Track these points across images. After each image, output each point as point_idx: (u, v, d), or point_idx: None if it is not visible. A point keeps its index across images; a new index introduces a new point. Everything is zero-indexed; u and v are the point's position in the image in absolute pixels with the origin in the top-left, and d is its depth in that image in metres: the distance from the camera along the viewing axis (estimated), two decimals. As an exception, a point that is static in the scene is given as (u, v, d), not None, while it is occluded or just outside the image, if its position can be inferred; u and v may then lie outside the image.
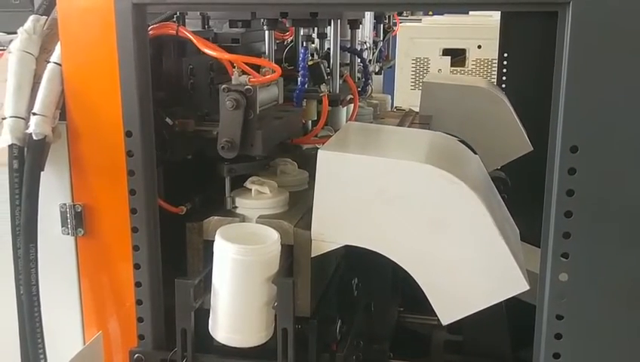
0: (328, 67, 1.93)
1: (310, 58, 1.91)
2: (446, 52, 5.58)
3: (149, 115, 1.42)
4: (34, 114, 1.39)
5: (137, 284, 1.47)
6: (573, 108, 1.24)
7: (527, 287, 1.38)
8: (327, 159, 1.44)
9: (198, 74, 1.55)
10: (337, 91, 1.93)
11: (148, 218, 1.45)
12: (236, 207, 1.54)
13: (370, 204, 1.42)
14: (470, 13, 6.70)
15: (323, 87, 1.87)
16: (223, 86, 1.45)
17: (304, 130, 1.99)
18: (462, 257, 1.39)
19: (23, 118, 1.41)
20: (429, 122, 2.33)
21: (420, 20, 6.11)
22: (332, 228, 1.45)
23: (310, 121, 2.00)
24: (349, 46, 2.15)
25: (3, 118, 1.42)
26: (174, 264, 1.53)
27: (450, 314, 1.43)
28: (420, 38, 5.60)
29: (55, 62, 1.42)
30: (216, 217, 1.51)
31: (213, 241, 1.43)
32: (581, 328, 1.31)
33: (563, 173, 1.26)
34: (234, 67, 1.47)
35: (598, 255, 1.27)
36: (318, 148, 1.96)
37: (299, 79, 1.88)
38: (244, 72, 1.49)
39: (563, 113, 1.25)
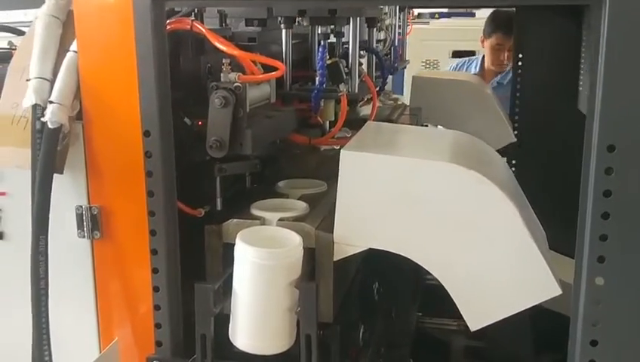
0: (346, 66, 1.88)
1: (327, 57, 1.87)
2: (455, 54, 5.55)
3: (167, 115, 1.38)
4: (51, 102, 1.36)
5: (155, 289, 1.42)
6: (610, 106, 1.19)
7: (559, 292, 1.34)
8: (350, 159, 1.39)
9: (216, 73, 1.51)
10: (356, 91, 1.88)
11: (166, 220, 1.40)
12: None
13: (395, 205, 1.37)
14: (477, 15, 6.69)
15: (342, 87, 1.82)
16: (212, 83, 1.41)
17: (322, 130, 1.95)
18: (491, 260, 1.35)
19: (47, 80, 1.39)
20: (419, 114, 2.48)
21: (427, 23, 6.09)
22: (355, 231, 1.41)
23: (328, 122, 1.96)
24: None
25: (27, 80, 1.39)
26: (193, 268, 1.48)
27: (478, 319, 1.38)
28: (429, 40, 5.58)
29: (75, 51, 1.38)
30: (235, 220, 1.47)
31: (232, 244, 1.39)
32: (617, 334, 1.26)
33: (600, 173, 1.21)
34: (255, 64, 1.42)
35: (636, 258, 1.22)
36: (336, 149, 1.94)
37: (317, 78, 1.84)
38: (233, 70, 1.46)
39: (599, 111, 1.20)
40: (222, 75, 1.44)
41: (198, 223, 1.49)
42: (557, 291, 1.33)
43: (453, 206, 1.34)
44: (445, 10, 6.53)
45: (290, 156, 1.86)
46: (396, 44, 2.68)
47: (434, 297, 1.65)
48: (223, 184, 1.54)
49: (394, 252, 1.40)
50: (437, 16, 6.46)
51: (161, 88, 1.36)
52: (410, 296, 2.00)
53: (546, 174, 2.81)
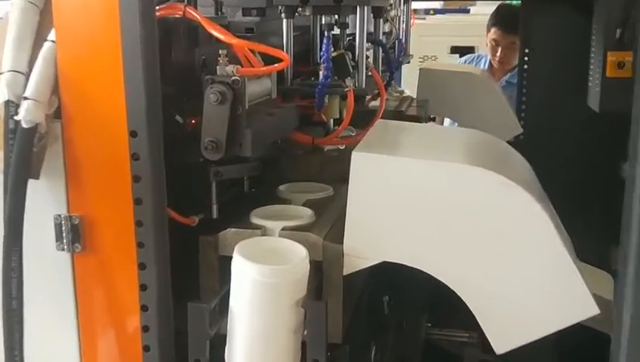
0: (352, 59, 1.73)
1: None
2: (454, 50, 5.44)
3: (157, 113, 1.23)
4: (25, 98, 1.19)
5: (143, 308, 1.27)
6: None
7: (597, 311, 1.19)
8: (362, 162, 1.25)
9: (211, 65, 1.35)
10: (364, 85, 1.73)
11: (156, 231, 1.25)
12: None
13: (412, 213, 1.23)
14: (472, 12, 6.59)
15: (348, 82, 1.67)
16: (207, 77, 1.27)
17: (325, 129, 1.80)
18: (521, 275, 1.20)
19: (22, 73, 1.22)
20: (426, 105, 2.45)
21: (423, 19, 5.97)
22: (368, 242, 1.26)
23: (332, 120, 1.81)
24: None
25: (0, 73, 1.23)
26: (186, 284, 1.33)
27: (506, 342, 1.23)
28: (427, 36, 5.44)
29: (53, 41, 1.23)
30: (233, 229, 1.32)
31: (229, 257, 1.24)
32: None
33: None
34: (255, 55, 1.27)
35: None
36: (341, 149, 1.79)
37: (321, 72, 1.68)
38: (230, 62, 1.31)
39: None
40: (218, 67, 1.30)
41: (192, 233, 1.34)
42: (594, 310, 1.19)
43: (477, 214, 1.20)
44: (439, 6, 6.46)
45: (291, 157, 1.71)
46: (400, 36, 2.53)
47: (442, 304, 1.52)
48: (219, 189, 1.39)
49: (411, 266, 1.25)
50: (432, 12, 6.36)
51: (149, 83, 1.20)
52: (422, 307, 1.85)
53: (553, 172, 2.70)
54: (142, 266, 1.25)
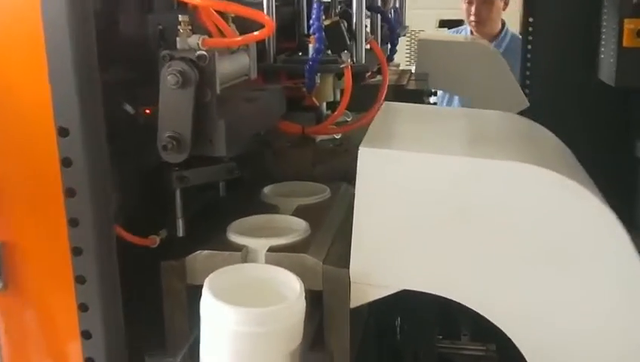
0: (348, 29, 1.41)
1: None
2: (443, 23, 5.16)
3: (95, 103, 0.91)
4: None
5: (88, 361, 0.95)
6: None
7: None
8: (372, 160, 0.94)
9: (170, 37, 1.03)
10: (363, 60, 1.42)
11: (100, 260, 0.93)
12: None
13: (443, 227, 0.93)
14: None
15: (344, 56, 1.36)
16: (163, 52, 0.96)
17: (317, 115, 1.49)
18: (589, 306, 0.90)
19: None
20: (426, 79, 2.30)
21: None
22: (382, 265, 0.96)
23: (325, 104, 1.49)
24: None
25: None
26: (145, 325, 1.03)
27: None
28: (414, 9, 5.13)
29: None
30: (205, 252, 1.01)
31: (200, 287, 0.93)
32: None
33: None
34: (227, 20, 0.96)
35: None
36: (337, 139, 1.48)
37: (311, 46, 1.37)
38: (195, 32, 0.99)
39: None
40: (178, 39, 0.98)
41: (152, 258, 1.03)
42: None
43: (531, 227, 0.90)
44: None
45: (277, 151, 1.40)
46: (397, 5, 2.22)
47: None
48: (185, 199, 1.07)
49: (440, 295, 0.95)
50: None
51: (82, 62, 0.88)
52: (434, 324, 1.55)
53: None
54: (83, 308, 0.94)
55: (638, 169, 2.64)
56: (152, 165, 1.04)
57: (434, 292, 0.95)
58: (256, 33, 1.00)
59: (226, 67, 1.05)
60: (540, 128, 1.24)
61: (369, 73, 1.50)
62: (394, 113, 1.20)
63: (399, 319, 1.35)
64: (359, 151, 0.94)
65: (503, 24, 3.28)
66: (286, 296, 0.88)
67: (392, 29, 1.66)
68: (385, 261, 0.96)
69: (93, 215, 0.92)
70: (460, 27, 3.67)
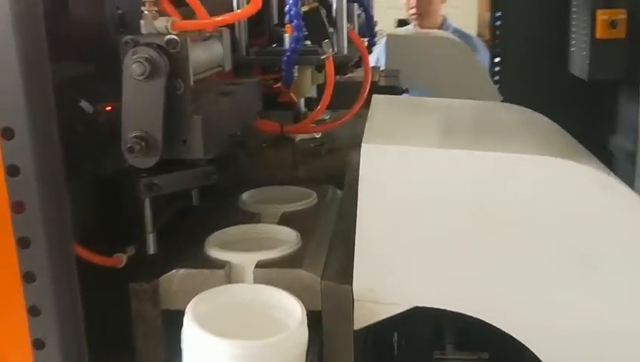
0: (327, 16, 1.28)
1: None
2: (401, 23, 5.10)
3: (44, 98, 0.75)
4: None
5: (45, 408, 0.80)
6: None
7: None
8: (380, 158, 0.81)
9: (133, 22, 0.88)
10: (345, 51, 1.28)
11: (58, 286, 0.78)
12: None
13: (461, 233, 0.79)
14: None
15: (325, 46, 1.22)
16: (126, 38, 0.81)
17: (295, 113, 1.35)
18: (630, 321, 0.78)
19: None
20: (397, 75, 2.19)
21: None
22: (391, 280, 0.83)
23: (303, 100, 1.36)
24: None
25: None
26: (114, 355, 0.88)
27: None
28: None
29: None
30: (181, 270, 0.86)
31: (177, 312, 0.79)
32: None
33: None
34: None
35: None
36: (317, 138, 1.35)
37: (288, 35, 1.23)
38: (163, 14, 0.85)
39: None
40: (143, 23, 0.83)
41: (119, 279, 0.88)
42: None
43: (564, 229, 0.77)
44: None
45: (252, 152, 1.26)
46: (367, -1, 2.09)
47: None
48: (155, 209, 0.92)
49: (459, 312, 0.82)
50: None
51: (28, 52, 0.73)
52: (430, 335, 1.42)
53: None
54: (38, 344, 0.78)
55: (611, 162, 2.58)
56: (116, 172, 0.89)
57: (452, 309, 0.82)
58: (240, 10, 0.86)
59: (199, 55, 0.90)
60: (544, 119, 1.13)
61: (352, 65, 1.37)
62: (387, 106, 1.07)
63: (396, 335, 1.22)
64: (362, 149, 0.80)
65: (444, 19, 3.24)
66: (285, 323, 0.74)
67: (369, 17, 1.53)
68: (394, 274, 0.82)
69: (46, 231, 0.76)
70: (406, 27, 3.59)
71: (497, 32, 2.96)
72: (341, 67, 1.28)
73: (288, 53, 1.18)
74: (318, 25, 1.22)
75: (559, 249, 0.77)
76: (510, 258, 0.78)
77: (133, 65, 0.78)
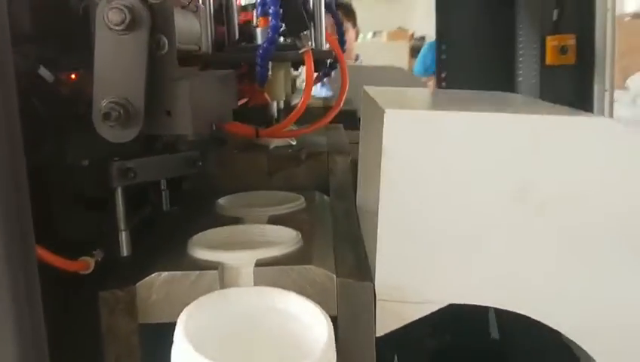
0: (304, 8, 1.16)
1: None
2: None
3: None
4: None
5: None
6: None
7: None
8: (407, 125, 0.68)
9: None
10: (324, 46, 1.17)
11: (14, 295, 0.61)
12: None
13: (503, 214, 0.67)
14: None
15: (304, 39, 1.10)
16: None
17: (268, 115, 1.22)
18: None
19: None
20: (351, 103, 2.04)
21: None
22: (421, 274, 0.70)
23: (275, 103, 1.23)
24: None
25: None
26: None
27: None
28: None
29: None
30: (164, 273, 0.71)
31: (160, 327, 0.64)
32: None
33: None
34: None
35: None
36: (292, 145, 1.22)
37: (259, 29, 1.11)
38: None
39: None
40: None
41: (87, 285, 0.72)
42: None
43: (620, 205, 0.67)
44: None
45: (222, 158, 1.12)
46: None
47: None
48: (129, 203, 0.76)
49: (503, 308, 0.69)
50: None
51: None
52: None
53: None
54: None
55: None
56: (82, 156, 0.73)
57: (495, 306, 0.69)
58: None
59: (180, 22, 0.77)
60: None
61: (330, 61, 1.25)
62: (384, 92, 0.95)
63: (396, 356, 1.08)
64: (385, 116, 0.67)
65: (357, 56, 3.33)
66: (304, 337, 0.59)
67: (337, 22, 1.43)
68: (424, 267, 0.69)
69: (4, 230, 0.60)
70: None
71: (443, 57, 2.94)
72: (319, 64, 1.16)
73: (265, 45, 1.05)
74: (296, 15, 1.10)
75: (613, 233, 0.66)
76: (558, 246, 0.66)
77: (109, 13, 0.64)
